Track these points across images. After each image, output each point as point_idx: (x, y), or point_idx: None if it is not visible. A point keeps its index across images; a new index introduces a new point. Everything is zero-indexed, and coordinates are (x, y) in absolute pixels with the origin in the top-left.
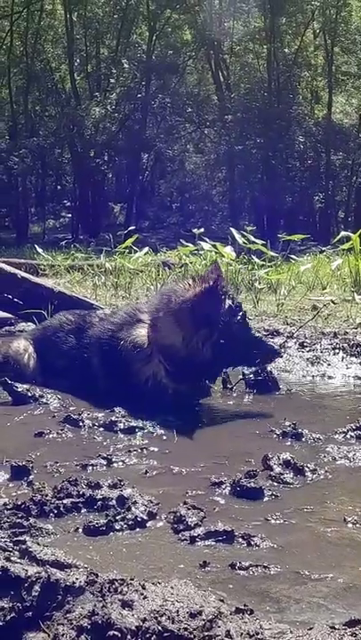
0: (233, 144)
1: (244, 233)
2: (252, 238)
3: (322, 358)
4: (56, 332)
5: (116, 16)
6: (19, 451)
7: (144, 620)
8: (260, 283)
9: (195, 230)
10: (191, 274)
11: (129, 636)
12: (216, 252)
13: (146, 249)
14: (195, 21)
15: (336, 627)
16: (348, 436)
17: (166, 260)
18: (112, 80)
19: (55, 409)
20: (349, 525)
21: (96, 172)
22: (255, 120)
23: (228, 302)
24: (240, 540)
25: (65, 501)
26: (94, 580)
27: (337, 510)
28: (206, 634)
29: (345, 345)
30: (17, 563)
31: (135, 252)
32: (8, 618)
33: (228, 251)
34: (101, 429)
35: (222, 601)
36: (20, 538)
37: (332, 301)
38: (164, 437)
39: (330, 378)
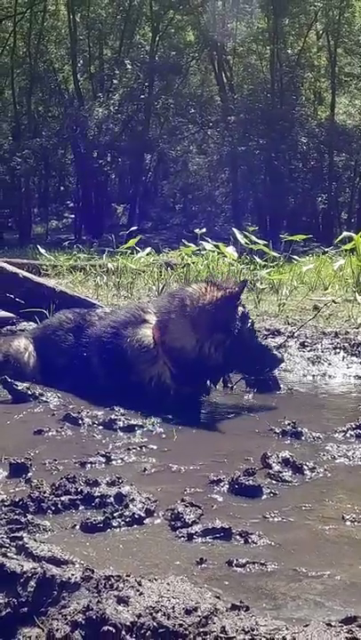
0: (236, 145)
1: (246, 233)
2: (254, 238)
3: (323, 358)
4: (56, 331)
5: (119, 17)
6: (18, 448)
7: (139, 616)
8: (261, 283)
9: (196, 230)
10: (207, 278)
11: (123, 632)
12: (218, 253)
13: (148, 249)
14: (198, 22)
15: (332, 624)
16: (347, 435)
17: (169, 260)
18: (115, 81)
19: (55, 407)
20: (348, 523)
21: (99, 173)
22: (258, 121)
23: (241, 309)
24: (237, 537)
25: (63, 498)
26: (90, 576)
27: (335, 508)
28: (202, 630)
29: (346, 345)
30: (13, 558)
31: (138, 252)
32: (3, 613)
33: (231, 251)
34: (101, 427)
35: (218, 597)
36: (17, 534)
37: (334, 301)
38: (164, 435)
39: (331, 377)
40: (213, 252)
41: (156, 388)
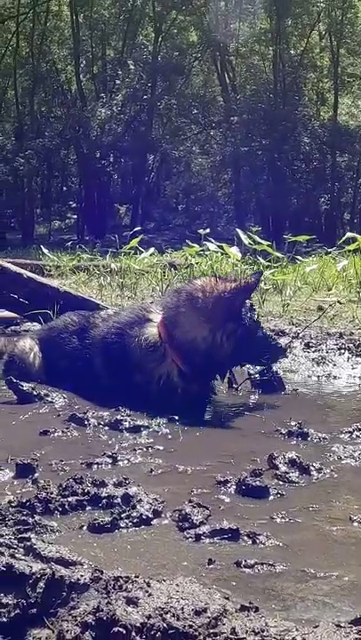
0: (238, 145)
1: (250, 234)
2: (258, 239)
3: (327, 358)
4: (61, 332)
5: (121, 17)
6: (24, 449)
7: (149, 617)
8: (265, 283)
9: (200, 231)
10: (211, 273)
11: (134, 633)
12: (222, 253)
13: (152, 249)
14: (200, 23)
15: (342, 625)
16: (353, 436)
17: (172, 260)
18: (118, 81)
19: (60, 408)
20: (355, 524)
21: (102, 174)
22: (261, 122)
23: (248, 300)
24: (245, 538)
25: (70, 499)
26: (99, 577)
27: (343, 509)
28: (211, 631)
29: (351, 345)
30: (21, 560)
31: (141, 252)
32: (12, 614)
33: (234, 251)
34: (107, 428)
35: (227, 599)
36: (24, 535)
37: (339, 302)
38: (170, 436)
39: (335, 378)
40: (217, 252)
41: (165, 386)
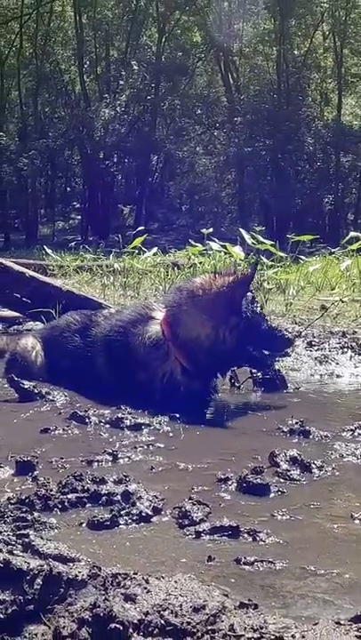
0: (242, 146)
1: (253, 234)
2: (261, 238)
3: (330, 357)
4: (63, 331)
5: (125, 18)
6: (24, 447)
7: (147, 614)
8: (268, 283)
9: (203, 230)
10: (211, 269)
11: (131, 629)
12: (225, 253)
13: (155, 249)
14: (204, 23)
15: (342, 622)
16: (355, 434)
17: (175, 260)
18: (122, 82)
19: (61, 406)
20: (356, 522)
21: (105, 174)
22: (264, 122)
23: (249, 293)
24: (246, 535)
25: (70, 496)
26: (97, 574)
27: (344, 507)
28: (210, 628)
29: (353, 344)
30: (19, 556)
31: (144, 252)
32: (9, 610)
33: (237, 251)
34: (107, 426)
35: (226, 595)
36: (23, 532)
37: (342, 300)
38: (171, 434)
39: (338, 376)
40: (220, 252)
41: (168, 384)
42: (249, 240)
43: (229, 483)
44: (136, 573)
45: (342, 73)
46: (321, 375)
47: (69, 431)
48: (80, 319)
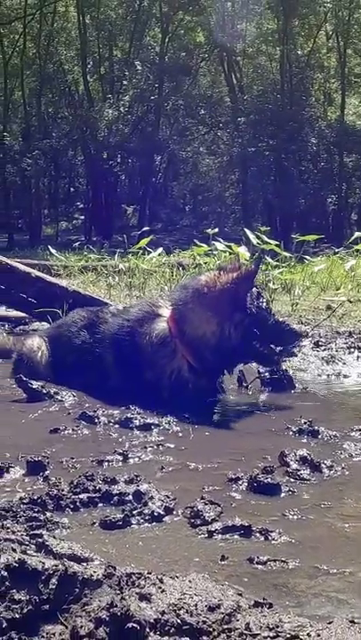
0: (246, 146)
1: (258, 234)
2: (266, 238)
3: (337, 357)
4: (70, 330)
5: (128, 18)
6: (34, 447)
7: (163, 613)
8: (273, 283)
9: (208, 230)
10: (216, 266)
11: (148, 629)
12: (230, 253)
13: (160, 249)
14: (207, 23)
15: (356, 621)
16: None
17: (180, 260)
18: (125, 82)
19: (70, 406)
20: None
21: (109, 174)
22: (268, 122)
23: (255, 289)
24: (258, 534)
25: (81, 496)
26: (112, 574)
27: (354, 506)
28: (225, 627)
29: (360, 344)
30: (33, 556)
31: (148, 253)
32: (25, 610)
33: (242, 251)
34: (117, 426)
35: (241, 595)
36: (36, 531)
37: (350, 300)
38: (180, 434)
39: (345, 376)
40: (225, 252)
41: (176, 382)
42: (254, 240)
43: (240, 482)
44: (150, 573)
45: (346, 73)
46: (328, 375)
47: (79, 431)
48: (86, 315)
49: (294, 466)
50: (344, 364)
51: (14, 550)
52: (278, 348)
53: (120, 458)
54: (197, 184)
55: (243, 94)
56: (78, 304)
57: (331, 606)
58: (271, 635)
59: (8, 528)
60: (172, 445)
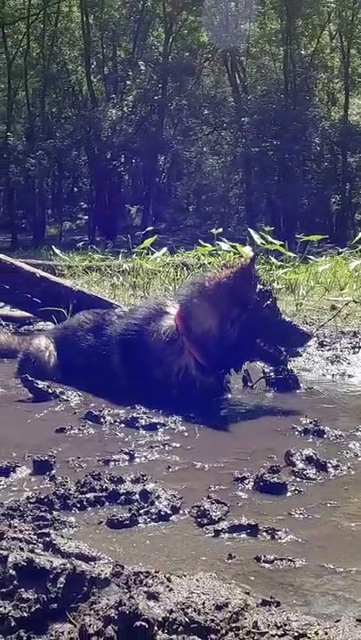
0: (249, 146)
1: (262, 234)
2: (270, 239)
3: (342, 357)
4: (76, 331)
5: (132, 18)
6: (40, 446)
7: (171, 612)
8: (278, 283)
9: (213, 230)
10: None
11: (156, 627)
12: (235, 253)
13: (164, 249)
14: (211, 23)
15: None
16: None
17: (184, 260)
18: (129, 82)
19: (76, 405)
20: None
21: (112, 174)
22: (271, 122)
23: (260, 286)
24: (264, 533)
25: (88, 495)
26: (120, 572)
27: (360, 505)
28: (233, 625)
29: None
30: (41, 555)
31: (152, 253)
32: (33, 609)
33: (247, 251)
34: (123, 426)
35: (248, 593)
36: (43, 530)
37: (355, 301)
38: (186, 434)
39: (350, 376)
40: (229, 252)
41: (183, 379)
42: (258, 240)
43: (246, 482)
44: (158, 572)
45: (349, 73)
46: (333, 375)
47: (85, 431)
48: (93, 318)
49: (300, 465)
50: (349, 363)
51: (22, 549)
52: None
53: (126, 457)
54: (201, 184)
55: (246, 94)
56: (83, 304)
57: (338, 605)
58: (279, 633)
59: (16, 527)
60: (179, 445)
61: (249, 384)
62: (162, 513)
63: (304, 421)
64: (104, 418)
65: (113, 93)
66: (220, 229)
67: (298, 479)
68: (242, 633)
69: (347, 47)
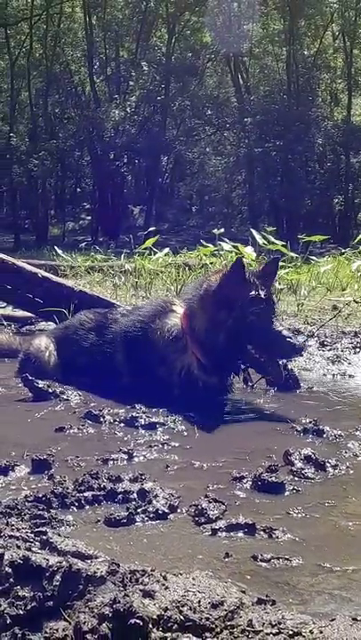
0: (252, 146)
1: (265, 234)
2: (272, 239)
3: (342, 357)
4: (77, 330)
5: (135, 19)
6: (39, 445)
7: (166, 610)
8: (279, 283)
9: (215, 231)
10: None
11: (151, 625)
12: (237, 253)
13: (166, 249)
14: (214, 24)
15: (358, 618)
16: None
17: (186, 260)
18: (131, 82)
19: (76, 405)
20: None
21: (115, 175)
22: (274, 122)
23: (253, 293)
24: (262, 532)
25: (86, 494)
26: (116, 570)
27: (358, 505)
28: (228, 623)
29: None
30: (38, 553)
31: (155, 253)
32: (29, 607)
33: (249, 251)
34: (122, 425)
35: (244, 592)
36: (41, 529)
37: (355, 301)
38: (185, 433)
39: (350, 376)
40: (231, 252)
41: (186, 378)
42: (260, 240)
43: (245, 481)
44: (154, 570)
45: (352, 73)
46: (333, 375)
47: (84, 430)
48: (94, 317)
49: (299, 465)
50: (350, 363)
51: (19, 547)
52: (283, 360)
53: (125, 456)
54: (204, 184)
55: (249, 95)
56: (85, 304)
57: (334, 604)
58: (274, 631)
59: (13, 525)
60: (177, 444)
61: (249, 383)
62: (159, 512)
63: (303, 421)
64: (104, 417)
65: (116, 94)
66: (223, 230)
67: (296, 479)
68: (237, 631)
69: (350, 47)
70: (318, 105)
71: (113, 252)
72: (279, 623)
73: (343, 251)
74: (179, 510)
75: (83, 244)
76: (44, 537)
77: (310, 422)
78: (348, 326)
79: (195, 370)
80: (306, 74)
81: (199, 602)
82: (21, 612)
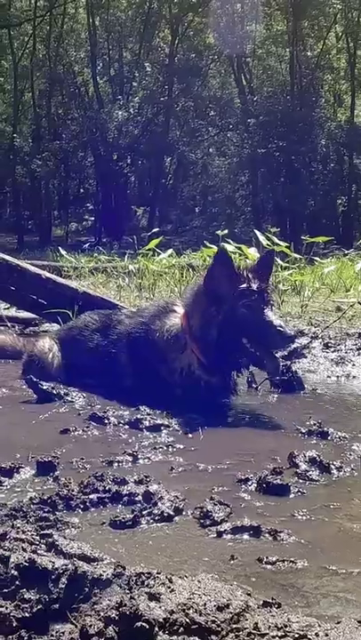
0: (255, 147)
1: (268, 235)
2: (276, 240)
3: (346, 359)
4: (82, 331)
5: (138, 20)
6: (44, 447)
7: (172, 613)
8: (283, 284)
9: (218, 232)
10: None
11: (157, 628)
12: (240, 254)
13: (170, 250)
14: (217, 25)
15: None
16: None
17: (190, 261)
18: (135, 83)
19: (80, 407)
20: None
21: (119, 176)
22: (278, 123)
23: (243, 286)
24: (267, 535)
25: (91, 496)
26: (121, 573)
27: None
28: (234, 626)
29: None
30: (44, 555)
31: (158, 254)
32: (35, 609)
33: (252, 252)
34: (127, 427)
35: (249, 594)
36: (46, 531)
37: (359, 302)
38: (190, 435)
39: (354, 378)
40: (235, 253)
41: (187, 378)
42: (264, 241)
43: (249, 483)
44: (159, 572)
45: (356, 74)
46: (337, 377)
47: (89, 432)
48: (98, 318)
49: (303, 467)
50: (354, 365)
51: (24, 550)
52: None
53: (130, 458)
54: (207, 185)
55: (253, 95)
56: (88, 305)
57: (339, 606)
58: (280, 634)
59: (18, 528)
60: (182, 446)
61: (253, 385)
62: (164, 514)
63: (308, 423)
64: (108, 419)
65: (119, 95)
66: (226, 231)
67: (301, 481)
68: (242, 634)
69: (353, 48)
70: (322, 106)
71: (116, 252)
72: (285, 626)
73: (346, 252)
74: (184, 513)
75: (86, 245)
76: (50, 539)
77: (315, 424)
78: (352, 328)
79: (195, 369)
80: (309, 75)
81: (205, 604)
82: (27, 615)
